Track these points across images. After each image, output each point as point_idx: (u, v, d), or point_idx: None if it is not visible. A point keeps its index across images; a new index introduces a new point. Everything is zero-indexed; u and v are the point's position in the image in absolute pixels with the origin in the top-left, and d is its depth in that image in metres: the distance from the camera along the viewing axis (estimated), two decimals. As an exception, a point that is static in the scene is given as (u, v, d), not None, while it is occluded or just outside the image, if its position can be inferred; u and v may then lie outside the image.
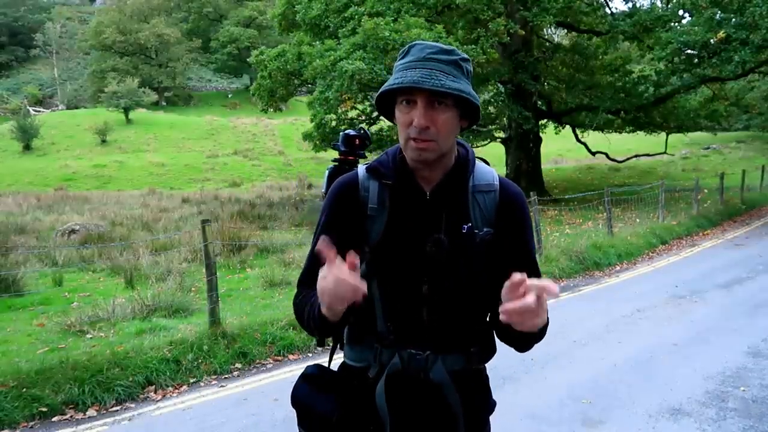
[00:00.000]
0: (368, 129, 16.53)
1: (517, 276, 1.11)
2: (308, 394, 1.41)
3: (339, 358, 1.52)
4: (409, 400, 1.38)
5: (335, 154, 2.10)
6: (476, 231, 1.36)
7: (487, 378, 1.50)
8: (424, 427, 1.39)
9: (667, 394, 4.01)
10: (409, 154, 1.33)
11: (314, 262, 1.37)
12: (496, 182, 1.42)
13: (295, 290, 1.48)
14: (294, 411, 1.46)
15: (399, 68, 1.32)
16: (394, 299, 1.37)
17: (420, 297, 1.36)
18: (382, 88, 1.32)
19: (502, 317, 1.12)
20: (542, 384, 4.29)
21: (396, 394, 1.37)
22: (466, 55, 1.35)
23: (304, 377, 1.44)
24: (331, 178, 1.66)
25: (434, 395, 1.37)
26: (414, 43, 1.35)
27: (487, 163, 1.47)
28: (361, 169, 1.44)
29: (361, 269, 1.34)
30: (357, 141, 1.70)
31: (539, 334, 1.29)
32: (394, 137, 14.97)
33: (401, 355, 1.36)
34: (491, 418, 1.50)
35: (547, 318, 1.22)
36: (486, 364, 1.48)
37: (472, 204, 1.39)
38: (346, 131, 1.71)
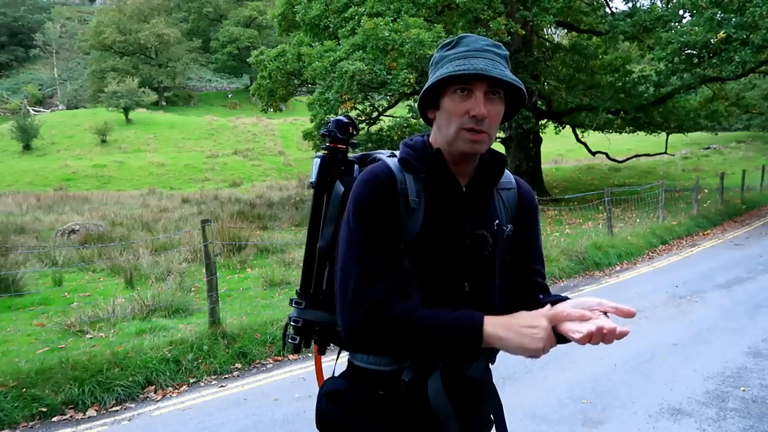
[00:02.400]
0: (368, 129, 16.53)
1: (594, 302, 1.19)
2: (340, 415, 1.32)
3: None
4: (452, 400, 1.32)
5: None
6: (504, 227, 1.39)
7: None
8: (467, 426, 1.36)
9: (667, 394, 4.01)
10: (461, 146, 1.29)
11: (376, 263, 1.24)
12: (513, 180, 1.47)
13: (373, 300, 1.22)
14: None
15: (453, 57, 1.27)
16: (435, 297, 1.29)
17: (462, 294, 1.32)
18: (442, 74, 1.26)
19: (576, 336, 1.11)
20: (542, 384, 4.29)
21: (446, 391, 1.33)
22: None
23: (328, 396, 1.35)
24: (323, 168, 1.52)
25: (472, 393, 1.36)
26: (463, 35, 1.32)
27: None
28: (392, 161, 1.36)
29: (405, 263, 1.29)
30: (350, 129, 1.58)
31: None
32: (395, 138, 14.96)
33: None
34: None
35: None
36: None
37: (498, 201, 1.41)
38: (338, 118, 1.59)
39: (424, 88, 1.32)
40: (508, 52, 1.33)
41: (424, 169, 1.33)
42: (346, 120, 1.59)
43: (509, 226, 1.41)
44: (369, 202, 1.29)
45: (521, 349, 1.13)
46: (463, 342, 1.16)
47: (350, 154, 1.58)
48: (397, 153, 1.41)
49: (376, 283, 1.23)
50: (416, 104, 1.39)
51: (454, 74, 1.23)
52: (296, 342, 1.52)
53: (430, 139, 1.38)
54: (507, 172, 1.46)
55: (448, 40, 1.33)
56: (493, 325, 1.16)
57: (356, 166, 1.51)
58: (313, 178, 1.54)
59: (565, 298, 1.27)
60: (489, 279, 1.36)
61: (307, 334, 1.51)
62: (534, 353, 1.13)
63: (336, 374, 1.44)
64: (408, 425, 1.31)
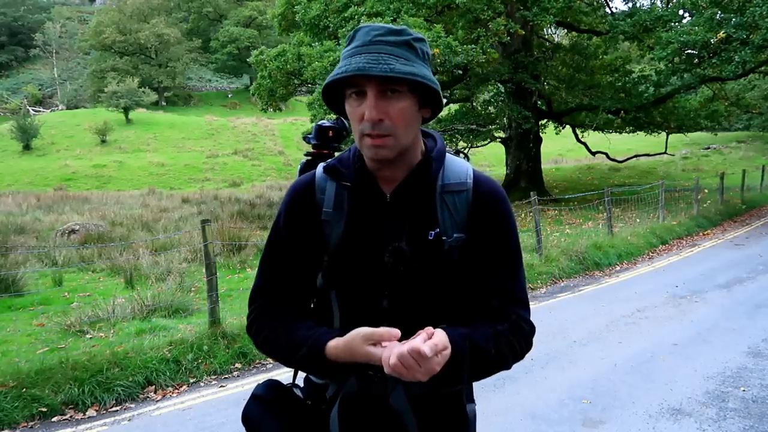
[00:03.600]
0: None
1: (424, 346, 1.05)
2: (258, 415, 1.30)
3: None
4: (366, 426, 1.26)
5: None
6: (444, 238, 1.21)
7: (461, 402, 1.33)
8: None
9: (667, 394, 4.01)
10: (366, 153, 1.18)
11: (272, 275, 1.31)
12: (470, 180, 1.25)
13: (253, 308, 1.34)
14: None
15: (344, 56, 1.16)
16: (351, 314, 1.24)
17: (379, 312, 1.22)
18: (326, 81, 1.16)
19: (386, 369, 1.07)
20: (542, 384, 4.29)
21: (352, 418, 1.25)
22: (420, 35, 1.19)
23: (254, 398, 1.32)
24: (302, 173, 1.50)
25: (393, 422, 1.24)
26: (360, 26, 1.19)
27: (467, 157, 1.35)
28: (319, 168, 1.30)
29: (318, 280, 1.27)
30: (330, 133, 1.53)
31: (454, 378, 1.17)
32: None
33: (358, 377, 1.23)
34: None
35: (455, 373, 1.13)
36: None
37: (440, 206, 1.23)
38: (320, 122, 1.56)
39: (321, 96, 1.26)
40: (414, 35, 1.18)
41: (350, 175, 1.25)
42: (327, 124, 1.55)
43: (456, 234, 1.22)
44: (280, 216, 1.31)
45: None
46: (312, 365, 1.23)
47: None
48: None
49: (259, 298, 1.33)
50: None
51: (335, 79, 1.14)
52: None
53: None
54: (466, 169, 1.27)
55: (349, 34, 1.20)
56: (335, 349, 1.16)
57: None
58: None
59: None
60: (412, 296, 1.22)
61: None
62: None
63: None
64: None
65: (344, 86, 1.18)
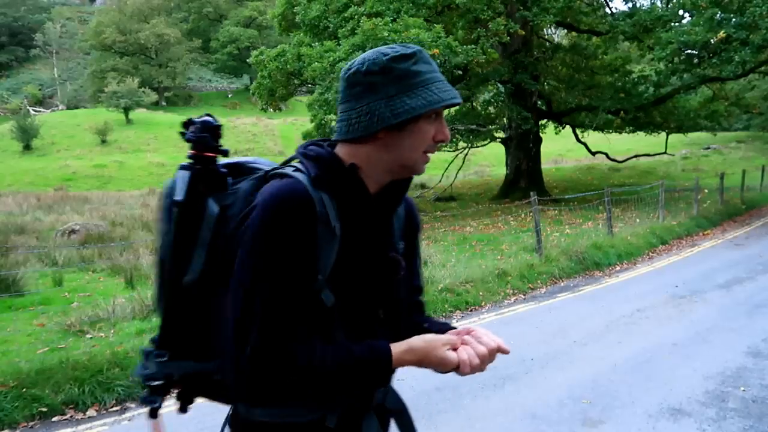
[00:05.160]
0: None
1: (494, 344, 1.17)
2: None
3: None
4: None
5: None
6: (399, 245, 1.31)
7: None
8: None
9: (667, 394, 4.01)
10: (419, 169, 1.23)
11: (285, 310, 1.09)
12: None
13: (286, 349, 1.09)
14: None
15: (428, 78, 1.17)
16: (353, 329, 1.18)
17: (377, 321, 1.24)
18: (435, 99, 1.15)
19: (465, 369, 1.15)
20: (542, 384, 4.29)
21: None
22: None
23: None
24: (193, 183, 1.21)
25: (385, 424, 1.29)
26: (419, 49, 1.20)
27: None
28: (302, 177, 1.15)
29: (327, 298, 1.14)
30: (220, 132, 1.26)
31: None
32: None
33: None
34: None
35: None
36: None
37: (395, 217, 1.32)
38: (205, 119, 1.24)
39: (411, 108, 1.13)
40: None
41: (337, 187, 1.16)
42: (216, 122, 1.25)
43: (400, 242, 1.32)
44: (282, 237, 1.09)
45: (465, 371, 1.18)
46: (376, 378, 1.17)
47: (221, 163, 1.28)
48: (294, 166, 1.20)
49: (284, 332, 1.09)
50: (375, 120, 1.15)
51: (451, 102, 1.16)
52: (157, 405, 1.35)
53: (340, 154, 1.19)
54: None
55: (404, 52, 1.16)
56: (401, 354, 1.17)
57: (230, 179, 1.24)
58: (179, 196, 1.20)
59: (452, 328, 1.32)
60: (399, 303, 1.29)
61: (184, 391, 1.42)
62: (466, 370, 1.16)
63: None
64: None
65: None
